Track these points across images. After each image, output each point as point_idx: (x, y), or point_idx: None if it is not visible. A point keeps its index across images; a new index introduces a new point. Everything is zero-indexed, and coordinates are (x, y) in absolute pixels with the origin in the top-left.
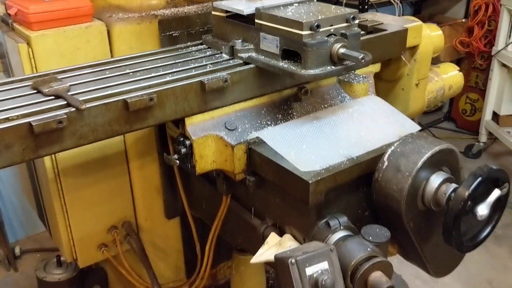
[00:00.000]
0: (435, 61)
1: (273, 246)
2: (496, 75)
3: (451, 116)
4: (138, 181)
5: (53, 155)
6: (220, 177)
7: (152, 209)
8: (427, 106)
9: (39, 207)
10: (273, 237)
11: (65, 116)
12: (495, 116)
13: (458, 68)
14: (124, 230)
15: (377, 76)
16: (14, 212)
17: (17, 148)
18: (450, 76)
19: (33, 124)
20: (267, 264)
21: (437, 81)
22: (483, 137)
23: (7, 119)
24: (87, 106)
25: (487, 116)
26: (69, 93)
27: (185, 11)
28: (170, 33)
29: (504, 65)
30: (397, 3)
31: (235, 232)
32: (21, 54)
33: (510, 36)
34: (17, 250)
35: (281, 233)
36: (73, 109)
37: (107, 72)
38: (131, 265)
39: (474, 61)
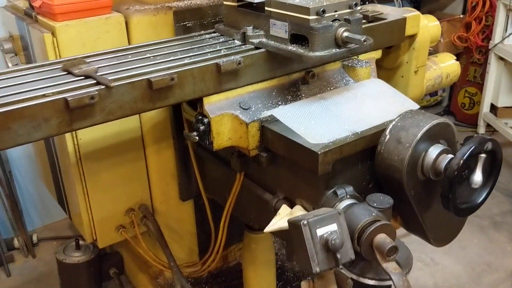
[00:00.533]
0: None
1: (285, 216)
2: (493, 68)
3: (451, 110)
4: (154, 166)
5: (75, 140)
6: (234, 155)
7: (167, 193)
8: (426, 93)
9: (59, 193)
10: (284, 209)
11: (97, 92)
12: (493, 108)
13: (455, 58)
14: (140, 212)
15: (378, 65)
16: (31, 202)
17: (54, 121)
18: (448, 65)
19: (69, 99)
20: (278, 236)
21: (435, 70)
22: (481, 129)
23: (44, 96)
24: (114, 84)
25: (485, 108)
26: (97, 74)
27: (198, 3)
28: (184, 23)
29: (501, 58)
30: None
31: (248, 208)
32: (46, 43)
33: (506, 30)
34: (34, 238)
35: (291, 206)
36: (103, 86)
37: (130, 57)
38: (146, 246)
39: (472, 55)
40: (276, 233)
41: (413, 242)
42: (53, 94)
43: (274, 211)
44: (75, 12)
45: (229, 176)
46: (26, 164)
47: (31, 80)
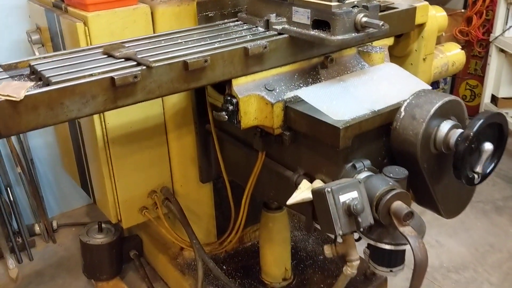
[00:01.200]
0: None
1: (306, 190)
2: (494, 59)
3: None
4: (176, 150)
5: (103, 125)
6: (257, 135)
7: (187, 176)
8: (434, 80)
9: (83, 178)
10: (305, 183)
11: (139, 72)
12: (494, 99)
13: (460, 47)
14: (162, 194)
15: (389, 53)
16: (51, 190)
17: (101, 98)
18: (453, 54)
19: (115, 78)
20: (296, 210)
21: (441, 58)
22: None
23: (91, 75)
24: (155, 65)
25: (486, 99)
26: (138, 56)
27: None
28: (206, 13)
29: (501, 50)
30: None
31: (268, 186)
32: (79, 32)
33: (507, 23)
34: (54, 224)
35: (311, 181)
36: (144, 67)
37: (163, 42)
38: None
39: (473, 49)
40: (295, 208)
41: None
42: (99, 74)
43: (294, 187)
44: (105, 3)
45: (250, 157)
46: (47, 153)
47: (77, 62)
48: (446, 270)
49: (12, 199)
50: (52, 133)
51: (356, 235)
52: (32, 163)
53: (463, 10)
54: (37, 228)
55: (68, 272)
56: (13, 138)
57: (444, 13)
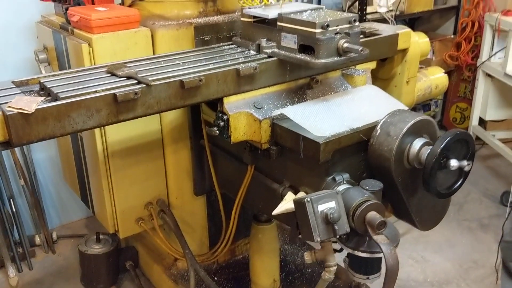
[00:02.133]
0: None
1: (290, 201)
2: (481, 84)
3: (443, 124)
4: (172, 164)
5: (104, 140)
6: (247, 150)
7: (182, 189)
8: (417, 102)
9: (83, 190)
10: (290, 195)
11: (140, 89)
12: (482, 122)
13: (444, 71)
14: (158, 206)
15: (374, 76)
16: (51, 202)
17: (104, 112)
18: (437, 77)
19: (117, 94)
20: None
21: (425, 81)
22: None
23: (96, 91)
24: (154, 83)
25: (474, 121)
26: (138, 75)
27: (215, 20)
28: (203, 37)
29: (488, 75)
30: (392, 20)
31: (257, 198)
32: (83, 53)
33: (492, 49)
34: (54, 235)
35: (296, 193)
36: (144, 85)
37: (162, 62)
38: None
39: (463, 73)
40: (281, 218)
41: (405, 242)
42: (103, 90)
43: (280, 198)
44: (109, 26)
45: (241, 170)
46: (49, 167)
47: (83, 80)
48: (430, 284)
49: (14, 210)
50: (54, 148)
51: (338, 246)
52: (35, 176)
53: (452, 36)
54: (37, 239)
55: (66, 281)
56: (17, 151)
57: (427, 39)
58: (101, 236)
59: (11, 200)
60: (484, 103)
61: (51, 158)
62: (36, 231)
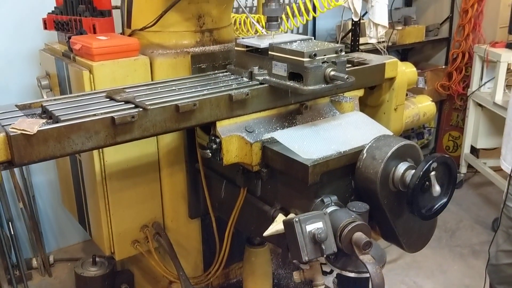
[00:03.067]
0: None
1: (280, 222)
2: (472, 113)
3: (436, 152)
4: (167, 187)
5: (102, 162)
6: (239, 172)
7: (177, 211)
8: (406, 129)
9: (80, 212)
10: (280, 217)
11: (137, 113)
12: (475, 150)
13: (431, 99)
14: (153, 229)
15: (363, 103)
16: (49, 225)
17: (102, 134)
18: (424, 105)
19: (115, 117)
20: (274, 243)
21: (413, 109)
22: (463, 169)
23: (95, 115)
24: (150, 107)
25: (466, 149)
26: (136, 100)
27: (211, 49)
28: (199, 65)
29: (478, 104)
30: (384, 51)
31: (249, 221)
32: (84, 79)
33: (482, 79)
34: (51, 259)
35: (286, 215)
36: (141, 109)
37: (159, 88)
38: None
39: (454, 102)
40: (272, 240)
41: (398, 268)
42: (102, 114)
43: (272, 220)
44: (109, 54)
45: (234, 193)
46: (48, 190)
47: (83, 104)
48: None
49: (12, 233)
50: (53, 171)
51: (328, 268)
52: (34, 200)
53: (444, 66)
54: (34, 262)
55: None
56: (17, 175)
57: (414, 69)
58: (97, 259)
59: (10, 223)
60: (475, 132)
61: (50, 182)
62: (34, 254)
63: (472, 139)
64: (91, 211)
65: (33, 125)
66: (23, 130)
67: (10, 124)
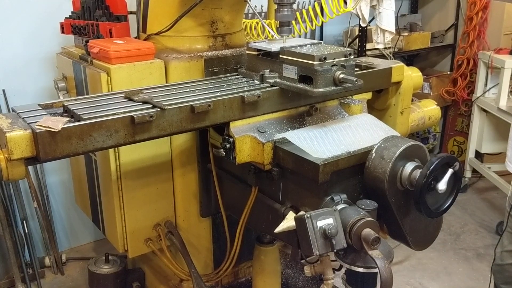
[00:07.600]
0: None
1: (291, 219)
2: (476, 118)
3: None
4: (180, 186)
5: (117, 161)
6: (251, 172)
7: (189, 211)
8: (411, 131)
9: (94, 211)
10: (291, 214)
11: (155, 112)
12: (479, 155)
13: (436, 103)
14: (166, 228)
15: (370, 106)
16: (62, 225)
17: (122, 133)
18: (430, 109)
19: (135, 116)
20: (284, 239)
21: (418, 112)
22: (468, 173)
23: (115, 114)
24: (167, 108)
25: (471, 154)
26: (153, 100)
27: (223, 53)
28: (212, 69)
29: (483, 110)
30: (390, 56)
31: (260, 219)
32: (102, 81)
33: (486, 85)
34: (63, 257)
35: (296, 213)
36: (159, 109)
37: (174, 90)
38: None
39: (459, 108)
40: (283, 237)
41: (403, 269)
42: (121, 113)
43: (282, 218)
44: (126, 58)
45: (245, 192)
46: (61, 190)
47: (103, 104)
48: None
49: (26, 231)
50: (67, 172)
51: (337, 265)
52: (48, 199)
53: (449, 72)
54: (47, 261)
55: None
56: (32, 174)
57: (420, 74)
58: (110, 257)
59: (24, 221)
60: (479, 137)
61: (63, 182)
62: (46, 253)
63: (477, 144)
64: (105, 210)
65: (58, 123)
66: (48, 127)
67: (35, 122)
